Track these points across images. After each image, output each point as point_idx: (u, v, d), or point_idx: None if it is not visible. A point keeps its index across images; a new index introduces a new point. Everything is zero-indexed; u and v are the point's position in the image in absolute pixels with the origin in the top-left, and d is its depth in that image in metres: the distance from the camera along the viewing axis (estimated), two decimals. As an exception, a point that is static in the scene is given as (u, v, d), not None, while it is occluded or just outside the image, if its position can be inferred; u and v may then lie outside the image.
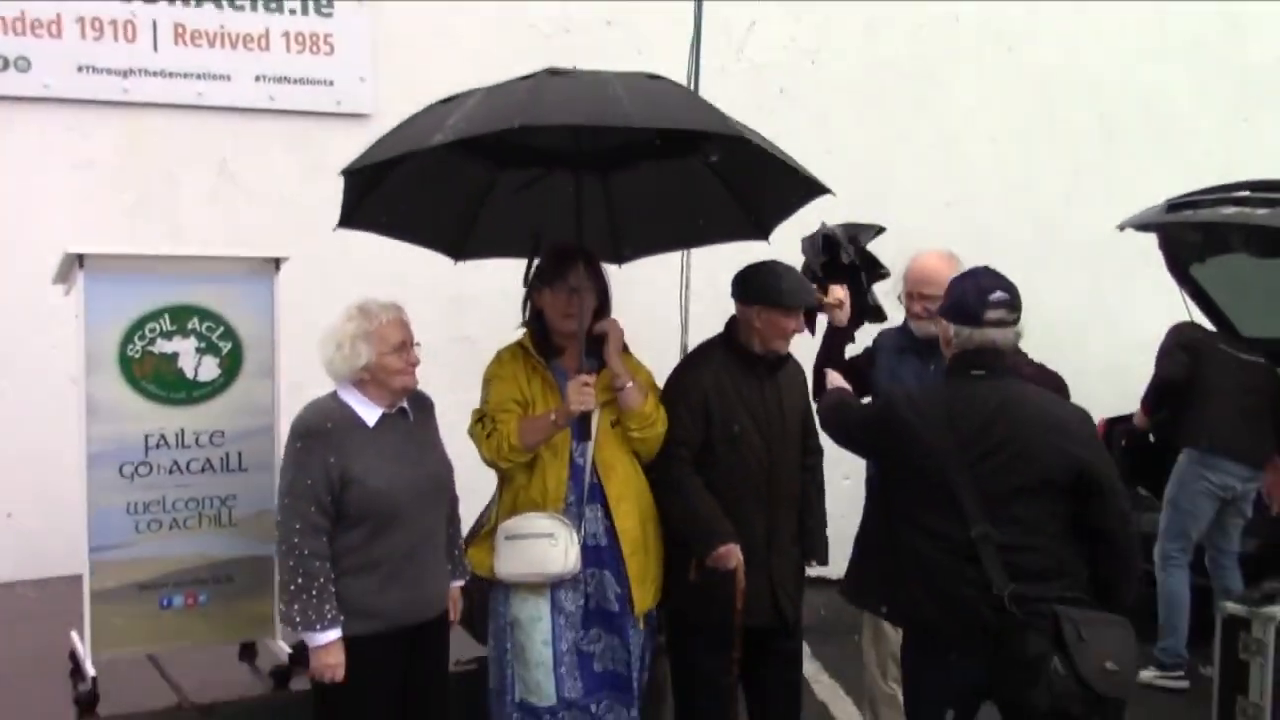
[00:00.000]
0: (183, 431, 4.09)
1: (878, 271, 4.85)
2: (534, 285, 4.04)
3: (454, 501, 3.92)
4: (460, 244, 4.43)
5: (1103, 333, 8.19)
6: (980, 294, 3.56)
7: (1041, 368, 4.37)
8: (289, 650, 4.19)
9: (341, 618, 3.50)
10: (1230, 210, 6.18)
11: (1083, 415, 3.60)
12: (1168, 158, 8.33)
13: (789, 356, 4.29)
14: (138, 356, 4.01)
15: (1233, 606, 5.08)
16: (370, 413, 3.63)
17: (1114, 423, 7.11)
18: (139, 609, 4.05)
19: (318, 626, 3.47)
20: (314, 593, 3.46)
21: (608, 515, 3.97)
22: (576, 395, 3.81)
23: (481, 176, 4.22)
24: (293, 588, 3.47)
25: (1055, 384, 4.28)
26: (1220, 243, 6.43)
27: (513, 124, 3.32)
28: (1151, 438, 6.99)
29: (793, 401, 4.27)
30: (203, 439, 4.11)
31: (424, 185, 4.01)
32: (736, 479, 4.11)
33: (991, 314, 3.54)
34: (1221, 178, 6.50)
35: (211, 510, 4.14)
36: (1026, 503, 3.44)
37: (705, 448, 4.11)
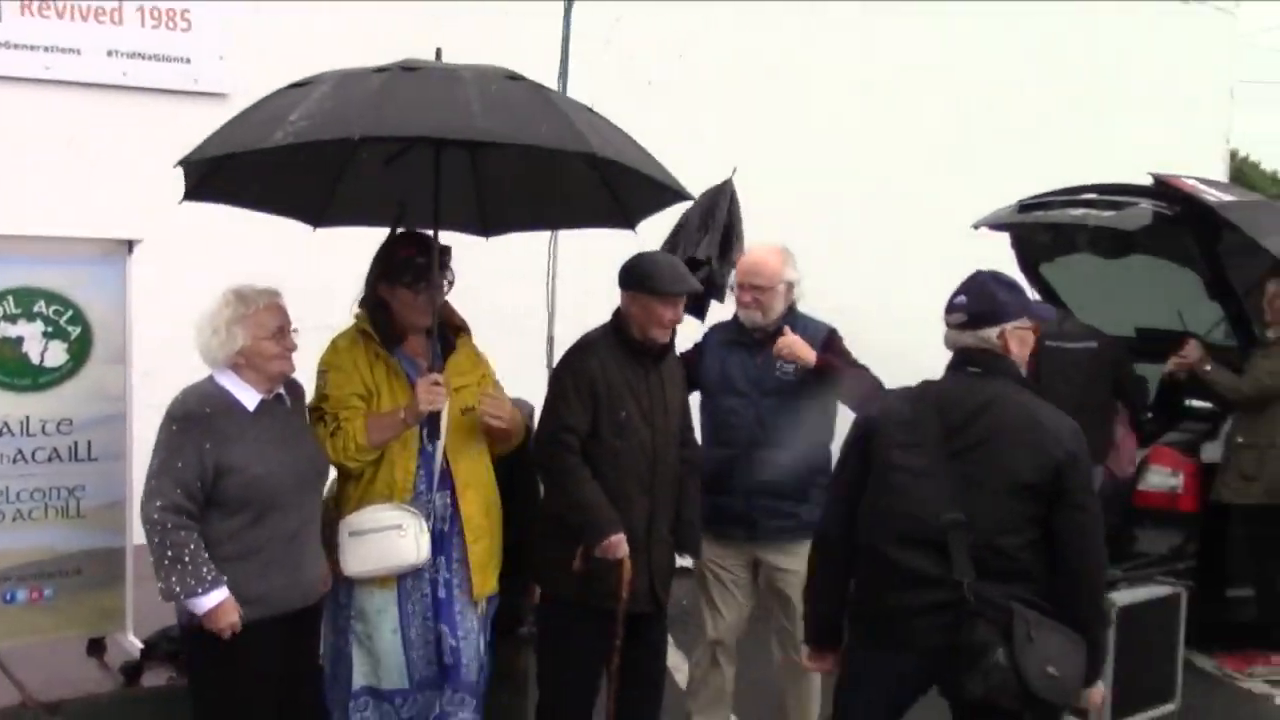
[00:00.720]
0: (28, 419, 3.94)
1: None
2: (386, 280, 3.89)
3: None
4: (318, 212, 4.28)
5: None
6: (951, 297, 3.62)
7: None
8: (141, 645, 4.07)
9: (224, 578, 3.43)
10: (1078, 212, 6.44)
11: (1071, 425, 3.56)
12: (1022, 157, 8.63)
13: (670, 347, 4.32)
14: (-21, 341, 3.85)
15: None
16: (249, 398, 3.58)
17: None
18: (-21, 604, 3.90)
19: (199, 591, 3.41)
20: (186, 560, 3.40)
21: (455, 501, 3.90)
22: (426, 395, 3.70)
23: (340, 149, 4.11)
24: (166, 561, 3.41)
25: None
26: (1068, 243, 6.70)
27: (353, 135, 3.24)
28: None
29: (674, 392, 4.31)
30: (49, 427, 3.97)
31: (278, 157, 3.89)
32: (622, 466, 4.12)
33: (947, 317, 3.61)
34: (1075, 178, 6.76)
35: (59, 501, 4.00)
36: (1005, 503, 3.41)
37: (592, 434, 4.11)
